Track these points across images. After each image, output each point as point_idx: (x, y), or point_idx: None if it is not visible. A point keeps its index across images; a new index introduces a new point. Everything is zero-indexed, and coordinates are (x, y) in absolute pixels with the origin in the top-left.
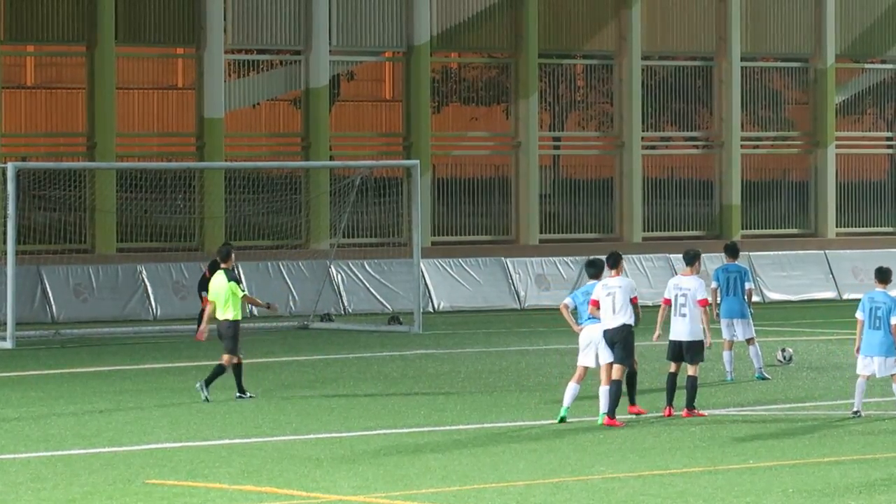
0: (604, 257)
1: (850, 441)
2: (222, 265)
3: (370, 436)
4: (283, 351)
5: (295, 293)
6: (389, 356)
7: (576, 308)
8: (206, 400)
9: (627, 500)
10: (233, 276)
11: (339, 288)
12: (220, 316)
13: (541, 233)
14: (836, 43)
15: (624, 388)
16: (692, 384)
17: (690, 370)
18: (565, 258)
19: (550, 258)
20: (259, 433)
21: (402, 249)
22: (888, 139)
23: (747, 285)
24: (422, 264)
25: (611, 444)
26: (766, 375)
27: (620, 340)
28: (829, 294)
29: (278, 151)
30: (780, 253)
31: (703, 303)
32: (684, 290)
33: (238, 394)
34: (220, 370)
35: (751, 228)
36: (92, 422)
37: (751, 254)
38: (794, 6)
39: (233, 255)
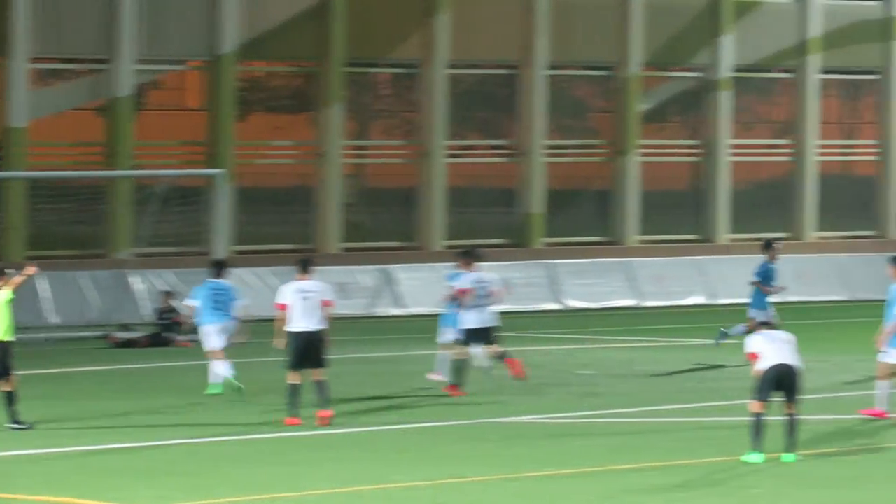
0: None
1: (651, 448)
2: None
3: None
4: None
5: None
6: None
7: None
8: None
9: None
10: None
11: (137, 297)
12: None
13: (343, 242)
14: (642, 51)
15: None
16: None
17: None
18: (367, 267)
19: (351, 267)
20: (58, 444)
21: (207, 259)
22: (690, 147)
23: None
24: None
25: (409, 453)
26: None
27: (320, 346)
28: (631, 301)
29: (82, 160)
30: (582, 261)
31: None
32: None
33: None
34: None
35: (554, 236)
36: None
37: (553, 261)
38: (599, 14)
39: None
